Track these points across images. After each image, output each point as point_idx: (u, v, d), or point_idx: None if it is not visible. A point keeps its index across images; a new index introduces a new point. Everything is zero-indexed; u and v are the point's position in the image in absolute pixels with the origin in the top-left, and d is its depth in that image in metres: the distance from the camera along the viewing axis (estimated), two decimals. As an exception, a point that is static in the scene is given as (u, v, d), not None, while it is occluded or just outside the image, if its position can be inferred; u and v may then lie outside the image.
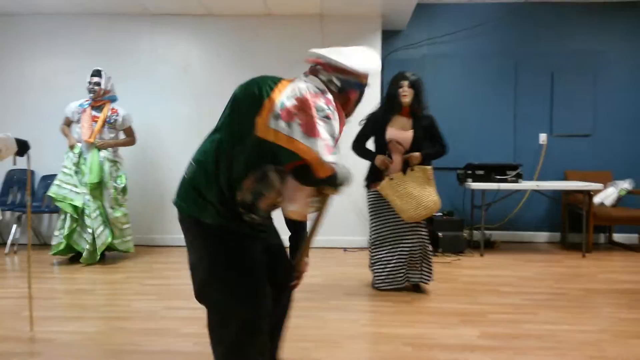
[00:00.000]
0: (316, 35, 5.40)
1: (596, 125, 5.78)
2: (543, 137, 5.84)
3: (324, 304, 3.44)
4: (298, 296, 3.47)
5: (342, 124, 1.72)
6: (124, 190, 4.72)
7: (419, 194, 3.47)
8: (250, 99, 1.66)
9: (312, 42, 5.39)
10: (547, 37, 5.81)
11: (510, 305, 3.37)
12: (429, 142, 3.64)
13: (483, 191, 5.12)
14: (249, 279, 1.69)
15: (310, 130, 1.56)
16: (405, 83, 3.53)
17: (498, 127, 5.86)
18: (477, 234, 5.46)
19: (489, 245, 5.43)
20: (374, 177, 3.63)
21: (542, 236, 5.86)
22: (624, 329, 2.93)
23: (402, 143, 3.54)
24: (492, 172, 5.15)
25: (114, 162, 4.67)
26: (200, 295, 1.76)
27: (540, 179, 5.74)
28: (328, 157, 1.56)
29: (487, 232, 5.53)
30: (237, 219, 1.67)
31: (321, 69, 1.80)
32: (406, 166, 3.53)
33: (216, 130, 1.76)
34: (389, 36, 5.85)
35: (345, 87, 1.78)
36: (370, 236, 3.72)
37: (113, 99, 4.74)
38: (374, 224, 3.66)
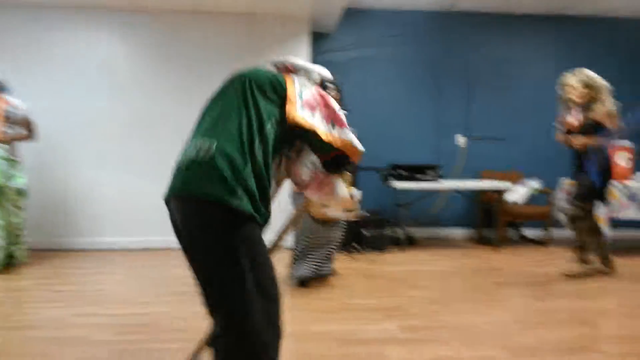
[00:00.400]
0: (244, 35, 5.35)
1: (508, 129, 6.18)
2: (461, 139, 6.15)
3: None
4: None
5: None
6: (21, 192, 4.33)
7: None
8: (271, 83, 1.66)
9: (240, 41, 5.34)
10: (465, 45, 6.13)
11: (428, 298, 3.52)
12: None
13: (406, 190, 5.31)
14: (273, 272, 1.59)
15: (338, 121, 1.71)
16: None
17: (420, 129, 6.10)
18: (399, 231, 5.65)
19: (411, 242, 5.64)
20: None
21: (460, 232, 6.18)
22: (531, 318, 3.15)
23: None
24: (415, 172, 5.35)
25: (10, 161, 4.28)
26: (225, 288, 1.50)
27: (458, 178, 6.04)
28: (359, 144, 1.73)
29: (409, 229, 5.75)
30: (265, 207, 1.57)
31: (294, 72, 1.84)
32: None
33: (226, 112, 1.61)
34: (318, 38, 5.91)
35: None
36: (296, 234, 3.77)
37: (2, 89, 4.35)
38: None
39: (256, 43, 5.34)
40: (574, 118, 4.09)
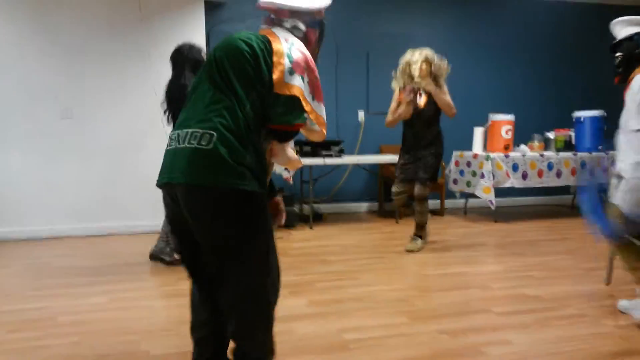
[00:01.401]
0: (135, 4, 4.98)
1: (405, 104, 6.43)
2: (361, 114, 6.31)
3: (153, 292, 3.29)
4: (124, 287, 3.27)
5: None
6: None
7: None
8: (245, 55, 1.60)
9: (130, 11, 4.97)
10: (362, 20, 6.23)
11: (335, 272, 3.61)
12: None
13: (310, 166, 5.36)
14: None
15: (317, 94, 1.70)
16: None
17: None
18: (306, 208, 5.71)
19: (318, 218, 5.74)
20: None
21: (363, 206, 6.39)
22: (429, 284, 3.36)
23: None
24: (318, 148, 5.41)
25: None
26: (239, 269, 1.62)
27: (360, 153, 6.21)
28: (324, 128, 1.74)
29: (315, 205, 5.83)
30: (265, 179, 1.64)
31: (281, 17, 1.77)
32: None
33: (216, 96, 1.57)
34: (212, 8, 5.67)
35: (307, 30, 1.79)
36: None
37: None
38: None
39: (147, 13, 5.01)
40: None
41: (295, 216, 5.40)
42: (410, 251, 4.18)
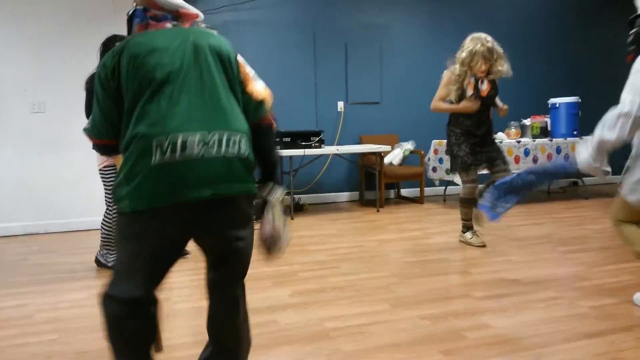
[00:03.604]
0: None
1: (383, 94, 6.45)
2: (340, 105, 6.30)
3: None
4: (103, 282, 3.22)
5: None
6: None
7: None
8: (234, 57, 1.64)
9: (102, 4, 4.85)
10: (340, 10, 6.21)
11: (317, 262, 3.62)
12: None
13: (290, 157, 5.34)
14: None
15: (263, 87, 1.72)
16: None
17: (301, 96, 6.13)
18: (287, 199, 5.70)
19: (299, 209, 5.74)
20: None
21: (344, 196, 6.41)
22: (409, 271, 3.39)
23: None
24: (298, 138, 5.39)
25: None
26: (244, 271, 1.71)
27: (339, 143, 6.21)
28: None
29: (296, 196, 5.82)
30: None
31: (194, 20, 1.75)
32: None
33: (214, 95, 1.51)
34: (188, 0, 5.58)
35: None
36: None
37: None
38: None
39: (121, 4, 4.90)
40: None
41: (276, 207, 5.37)
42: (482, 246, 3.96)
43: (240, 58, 1.68)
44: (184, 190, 1.39)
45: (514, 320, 2.50)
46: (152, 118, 1.41)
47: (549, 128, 6.13)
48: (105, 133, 1.55)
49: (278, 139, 5.24)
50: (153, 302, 1.54)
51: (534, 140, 5.82)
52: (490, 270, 3.34)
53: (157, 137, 1.39)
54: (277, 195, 1.70)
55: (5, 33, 4.64)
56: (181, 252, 1.59)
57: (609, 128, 2.29)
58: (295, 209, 5.55)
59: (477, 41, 3.79)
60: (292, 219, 5.29)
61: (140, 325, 1.50)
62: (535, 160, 5.75)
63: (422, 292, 2.93)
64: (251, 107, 1.64)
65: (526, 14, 6.96)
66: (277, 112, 6.63)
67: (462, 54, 3.84)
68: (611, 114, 2.30)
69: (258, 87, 1.67)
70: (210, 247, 1.62)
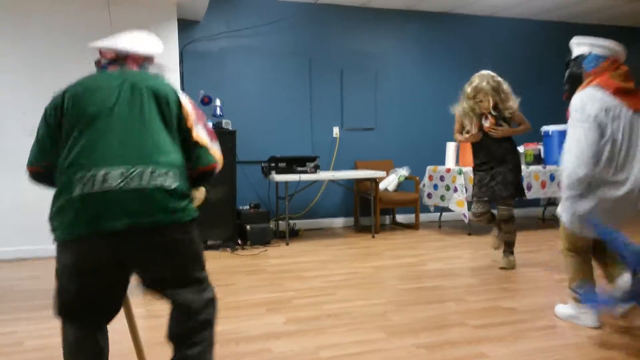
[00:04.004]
0: (104, 21, 4.93)
1: (378, 120, 6.51)
2: (336, 131, 6.35)
3: (122, 314, 3.19)
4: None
5: None
6: None
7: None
8: (174, 98, 1.68)
9: (99, 26, 4.91)
10: (335, 38, 6.31)
11: (312, 288, 3.59)
12: None
13: (286, 182, 5.34)
14: None
15: (213, 136, 1.76)
16: None
17: (297, 121, 6.17)
18: (282, 224, 5.68)
19: (294, 234, 5.71)
20: None
21: (339, 221, 6.40)
22: (405, 298, 3.36)
23: None
24: (294, 164, 5.41)
25: None
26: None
27: (335, 169, 6.24)
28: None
29: (291, 221, 5.81)
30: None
31: (140, 63, 1.82)
32: None
33: (151, 129, 1.59)
34: (186, 26, 5.67)
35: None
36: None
37: None
38: None
39: (118, 29, 4.95)
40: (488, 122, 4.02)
41: (271, 232, 5.37)
42: (504, 268, 4.06)
43: (184, 99, 1.72)
44: (102, 221, 1.46)
45: (511, 349, 2.48)
46: (79, 151, 1.51)
47: (542, 155, 6.18)
48: (36, 161, 1.67)
49: (273, 164, 5.26)
50: (99, 334, 1.69)
51: (527, 168, 5.86)
52: (486, 298, 3.32)
53: (82, 169, 1.48)
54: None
55: (3, 57, 4.68)
56: (119, 284, 1.65)
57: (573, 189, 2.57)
58: (291, 235, 5.53)
59: (483, 78, 3.96)
60: (288, 244, 5.27)
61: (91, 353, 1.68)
62: (529, 187, 5.78)
63: (418, 320, 2.91)
64: (195, 154, 1.71)
65: (519, 41, 7.10)
66: (273, 138, 6.73)
67: (468, 88, 4.01)
68: (568, 182, 2.56)
69: (201, 134, 1.72)
70: (143, 277, 1.65)
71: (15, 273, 4.23)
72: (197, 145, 1.69)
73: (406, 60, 6.65)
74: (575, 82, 2.75)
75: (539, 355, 2.40)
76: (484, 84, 3.91)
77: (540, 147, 6.21)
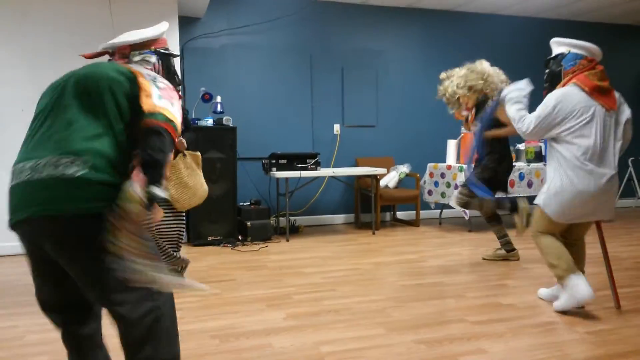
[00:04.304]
0: (104, 17, 4.93)
1: (379, 117, 6.51)
2: (337, 128, 6.35)
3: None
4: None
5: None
6: None
7: (194, 184, 3.36)
8: (121, 79, 1.60)
9: (101, 24, 4.92)
10: (336, 35, 6.31)
11: (312, 284, 3.60)
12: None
13: (287, 179, 5.34)
14: None
15: (178, 113, 1.64)
16: None
17: (298, 118, 6.18)
18: (283, 221, 5.69)
19: (294, 230, 5.72)
20: None
21: (340, 218, 6.40)
22: (405, 294, 3.37)
23: None
24: (294, 161, 5.41)
25: None
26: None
27: (335, 166, 6.24)
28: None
29: (292, 218, 5.81)
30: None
31: (127, 52, 1.82)
32: (176, 153, 3.37)
33: (71, 119, 1.54)
34: (187, 23, 5.67)
35: (157, 61, 1.86)
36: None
37: None
38: None
39: (120, 28, 4.97)
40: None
41: (271, 229, 5.38)
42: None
43: (143, 80, 1.60)
44: (15, 212, 1.53)
45: (510, 345, 2.49)
46: (21, 146, 1.63)
47: (543, 153, 6.17)
48: None
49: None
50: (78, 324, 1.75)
51: (528, 165, 5.86)
52: (486, 295, 3.32)
53: (16, 163, 1.58)
54: (126, 188, 1.47)
55: (2, 53, 4.68)
56: (63, 277, 1.63)
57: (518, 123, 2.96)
58: (291, 231, 5.54)
59: (447, 85, 4.49)
60: (288, 240, 5.28)
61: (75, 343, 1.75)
62: (530, 184, 5.78)
63: (418, 316, 2.92)
64: (143, 115, 1.56)
65: (521, 38, 7.08)
66: (274, 134, 6.75)
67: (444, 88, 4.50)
68: (520, 124, 2.94)
69: (157, 103, 1.56)
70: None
71: (16, 268, 4.25)
72: (149, 112, 1.53)
73: (407, 57, 6.65)
74: (555, 80, 2.92)
75: (538, 351, 2.40)
76: (449, 91, 4.46)
77: (542, 144, 6.21)
